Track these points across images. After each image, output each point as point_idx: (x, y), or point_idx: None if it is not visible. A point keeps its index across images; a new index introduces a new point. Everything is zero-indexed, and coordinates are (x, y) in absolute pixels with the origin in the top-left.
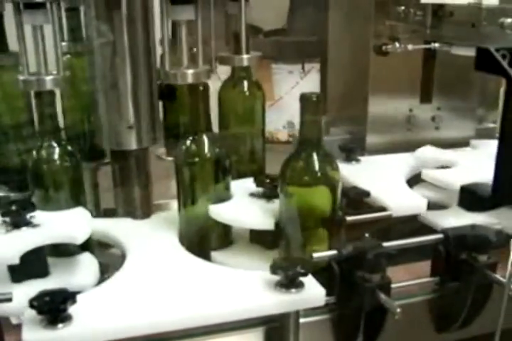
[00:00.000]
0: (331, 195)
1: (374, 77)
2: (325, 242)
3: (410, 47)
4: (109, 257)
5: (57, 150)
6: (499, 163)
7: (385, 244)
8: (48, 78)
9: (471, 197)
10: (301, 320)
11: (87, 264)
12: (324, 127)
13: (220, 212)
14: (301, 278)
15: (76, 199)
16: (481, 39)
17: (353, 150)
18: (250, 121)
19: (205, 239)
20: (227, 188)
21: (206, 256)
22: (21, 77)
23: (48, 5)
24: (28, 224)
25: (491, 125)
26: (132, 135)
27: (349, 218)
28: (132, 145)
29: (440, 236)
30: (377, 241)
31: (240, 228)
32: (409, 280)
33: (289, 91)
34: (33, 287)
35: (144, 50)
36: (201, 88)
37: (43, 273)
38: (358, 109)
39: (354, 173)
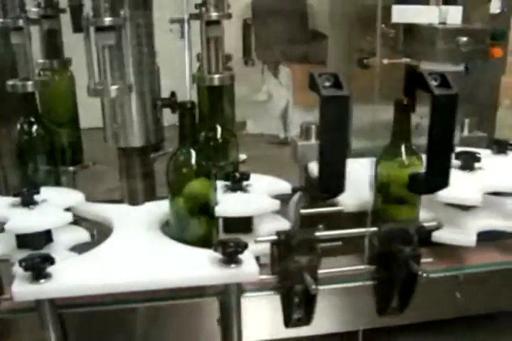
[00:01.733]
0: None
1: (358, 87)
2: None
3: (385, 61)
4: None
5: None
6: (320, 162)
7: (318, 234)
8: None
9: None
10: (249, 294)
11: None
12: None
13: (232, 209)
14: (241, 257)
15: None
16: (440, 56)
17: None
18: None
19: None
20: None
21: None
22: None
23: None
24: (36, 202)
25: (480, 134)
26: (137, 134)
27: (303, 211)
28: (137, 143)
29: (374, 229)
30: (314, 230)
31: None
32: (347, 267)
33: None
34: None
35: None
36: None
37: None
38: None
39: None
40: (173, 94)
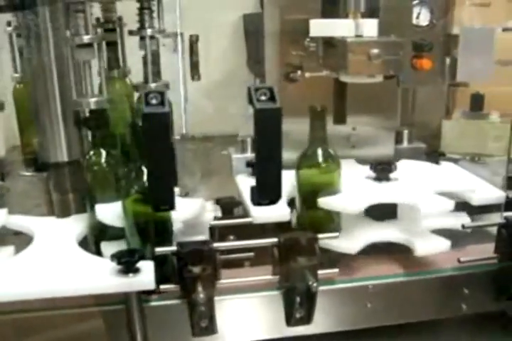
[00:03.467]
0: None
1: (288, 100)
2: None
3: (307, 75)
4: None
5: None
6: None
7: (217, 244)
8: None
9: None
10: (155, 303)
11: None
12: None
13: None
14: (140, 266)
15: None
16: (352, 68)
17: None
18: None
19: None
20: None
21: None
22: None
23: None
24: None
25: (420, 145)
26: (64, 149)
27: (213, 222)
28: (64, 157)
29: (275, 239)
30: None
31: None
32: (257, 276)
33: None
34: None
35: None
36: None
37: None
38: None
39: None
40: (91, 112)
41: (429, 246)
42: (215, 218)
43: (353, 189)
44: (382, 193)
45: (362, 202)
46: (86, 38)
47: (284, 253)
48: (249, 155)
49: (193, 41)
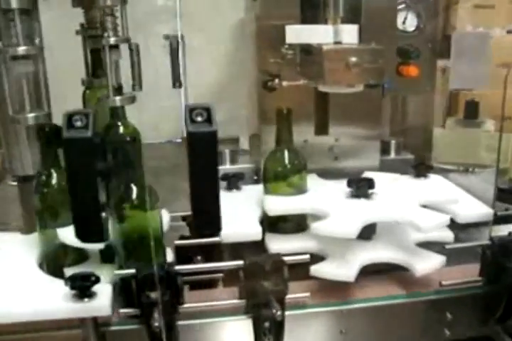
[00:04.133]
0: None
1: (266, 110)
2: None
3: (285, 83)
4: None
5: None
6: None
7: (179, 267)
8: None
9: None
10: (115, 328)
11: None
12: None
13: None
14: (96, 290)
15: None
16: (329, 77)
17: (231, 180)
18: None
19: (56, 258)
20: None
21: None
22: None
23: None
24: None
25: (408, 156)
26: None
27: (178, 242)
28: (30, 171)
29: (240, 262)
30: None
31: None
32: (226, 300)
33: None
34: None
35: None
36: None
37: None
38: (255, 141)
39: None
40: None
41: (427, 265)
42: (182, 237)
43: (340, 210)
44: (370, 212)
45: (355, 224)
46: (21, 49)
47: (249, 276)
48: (228, 167)
49: (173, 47)
